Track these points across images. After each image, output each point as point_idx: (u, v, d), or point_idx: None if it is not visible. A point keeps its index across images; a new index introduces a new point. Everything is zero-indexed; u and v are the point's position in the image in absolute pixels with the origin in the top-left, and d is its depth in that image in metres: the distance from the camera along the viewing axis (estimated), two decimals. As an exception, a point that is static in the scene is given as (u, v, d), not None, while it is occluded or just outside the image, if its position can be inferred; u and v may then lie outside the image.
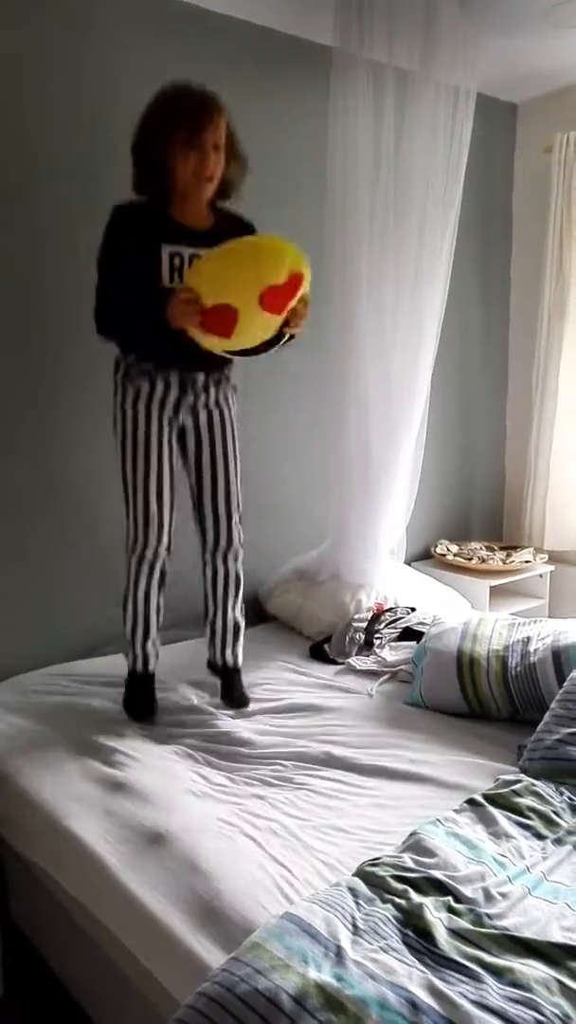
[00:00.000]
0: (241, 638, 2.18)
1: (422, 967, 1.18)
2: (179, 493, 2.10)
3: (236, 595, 2.16)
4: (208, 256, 1.85)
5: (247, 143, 2.74)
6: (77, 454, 2.53)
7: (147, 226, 1.90)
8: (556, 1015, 1.10)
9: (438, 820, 1.54)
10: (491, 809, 1.58)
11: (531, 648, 2.20)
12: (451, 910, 1.31)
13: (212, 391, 2.06)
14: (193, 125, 1.84)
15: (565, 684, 2.00)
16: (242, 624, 2.19)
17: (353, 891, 1.35)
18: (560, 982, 1.16)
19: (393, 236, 2.69)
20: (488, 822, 1.56)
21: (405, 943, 1.24)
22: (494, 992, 1.14)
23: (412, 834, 1.50)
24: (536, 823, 1.56)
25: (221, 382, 2.10)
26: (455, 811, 1.59)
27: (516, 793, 1.64)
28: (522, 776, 1.73)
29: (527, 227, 3.67)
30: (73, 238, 2.40)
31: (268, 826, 1.66)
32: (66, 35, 2.36)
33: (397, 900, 1.32)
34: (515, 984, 1.16)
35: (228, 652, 2.14)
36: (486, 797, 1.63)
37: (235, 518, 2.13)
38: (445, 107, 2.69)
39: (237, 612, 2.16)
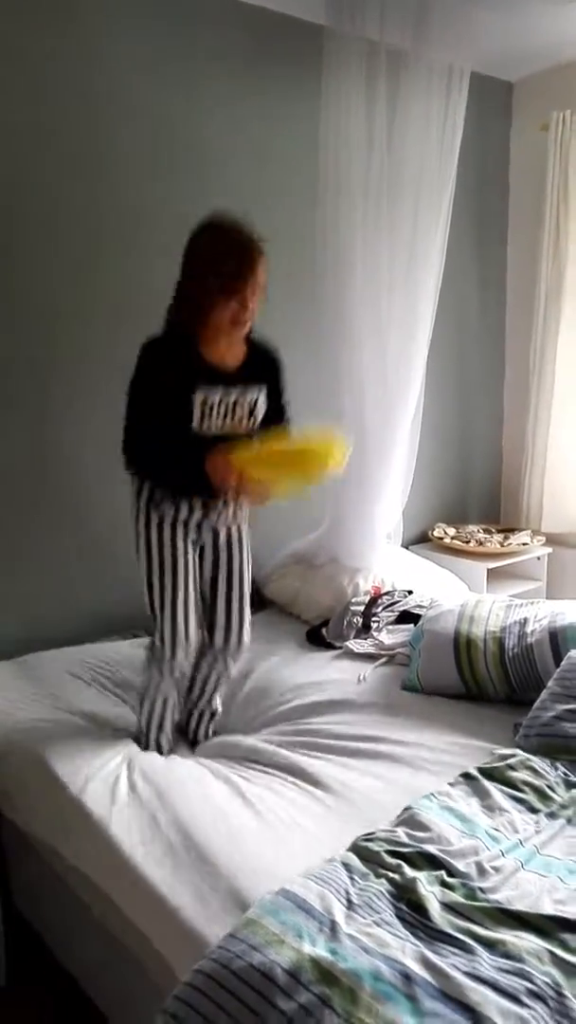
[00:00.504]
0: (216, 717, 2.21)
1: (415, 940, 1.20)
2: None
3: (224, 686, 2.21)
4: (254, 460, 1.86)
5: (241, 128, 2.74)
6: (69, 439, 2.53)
7: (180, 366, 1.85)
8: (547, 984, 1.12)
9: (432, 795, 1.56)
10: (485, 783, 1.59)
11: (528, 629, 2.21)
12: (444, 884, 1.33)
13: (232, 507, 2.06)
14: (236, 275, 1.81)
15: (562, 663, 2.01)
16: (219, 709, 2.22)
17: (347, 866, 1.36)
18: (551, 953, 1.18)
19: (387, 216, 2.68)
20: (482, 795, 1.57)
21: (399, 917, 1.25)
22: (486, 963, 1.15)
23: (406, 808, 1.52)
24: (530, 797, 1.57)
25: (237, 515, 2.12)
26: (449, 784, 1.60)
27: (511, 767, 1.65)
28: (517, 751, 1.74)
29: (523, 206, 3.65)
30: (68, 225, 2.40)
31: (266, 805, 1.68)
32: (53, 20, 2.34)
33: (391, 875, 1.34)
34: (507, 955, 1.17)
35: (201, 731, 2.18)
36: (481, 771, 1.64)
37: (247, 623, 2.14)
38: (439, 86, 2.67)
39: (218, 699, 2.20)
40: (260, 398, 1.97)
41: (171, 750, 2.05)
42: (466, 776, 1.63)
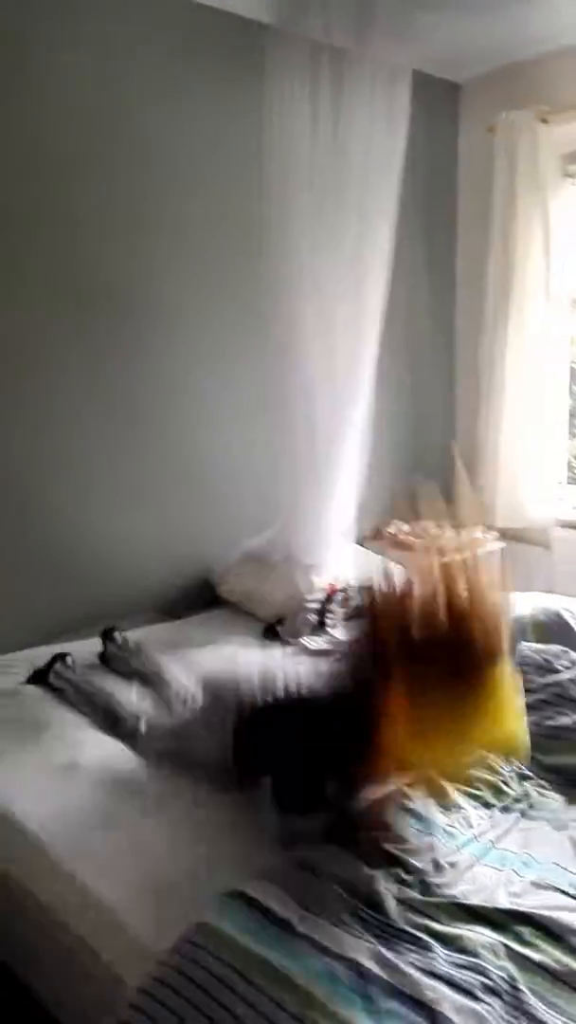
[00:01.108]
0: None
1: (371, 938, 1.19)
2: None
3: None
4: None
5: (183, 125, 2.71)
6: (24, 441, 2.48)
7: None
8: (502, 978, 1.12)
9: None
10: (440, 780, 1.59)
11: (480, 622, 2.21)
12: (401, 881, 1.32)
13: None
14: None
15: (515, 656, 2.01)
16: None
17: (302, 866, 1.34)
18: (506, 946, 1.18)
19: (333, 215, 2.67)
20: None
21: (355, 915, 1.24)
22: (442, 959, 1.15)
23: None
24: (484, 793, 1.57)
25: None
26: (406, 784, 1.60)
27: None
28: None
29: (472, 207, 3.68)
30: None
31: (215, 806, 1.65)
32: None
33: (347, 874, 1.32)
34: (463, 950, 1.17)
35: None
36: None
37: None
38: (383, 86, 2.67)
39: None
40: None
41: None
42: None
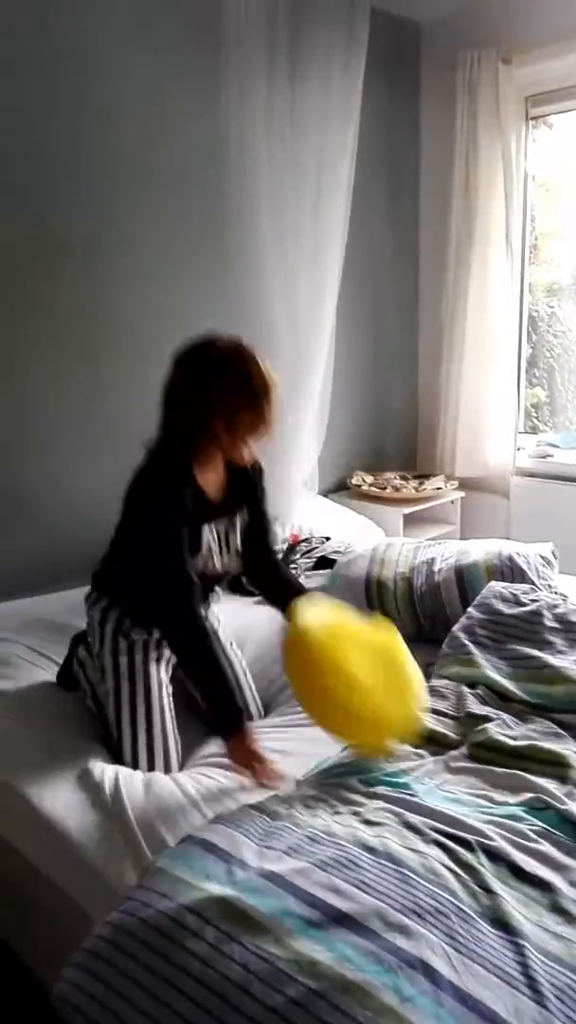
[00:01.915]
0: None
1: (319, 864, 1.22)
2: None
3: None
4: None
5: (143, 71, 2.63)
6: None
7: (190, 504, 1.69)
8: (433, 891, 1.17)
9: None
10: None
11: (435, 568, 2.27)
12: (354, 814, 1.37)
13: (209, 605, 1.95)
14: (270, 401, 1.67)
15: (478, 597, 2.06)
16: None
17: (258, 808, 1.39)
18: (449, 866, 1.23)
19: (292, 156, 2.64)
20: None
21: (309, 837, 1.28)
22: (374, 874, 1.19)
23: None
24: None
25: (210, 600, 1.97)
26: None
27: None
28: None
29: (434, 150, 3.63)
30: None
31: (185, 772, 1.69)
32: None
33: (301, 812, 1.38)
34: (395, 862, 1.22)
35: None
36: None
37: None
38: (341, 23, 2.62)
39: None
40: (240, 516, 1.86)
41: None
42: None
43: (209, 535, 1.77)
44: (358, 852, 1.24)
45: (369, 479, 3.57)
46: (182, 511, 1.66)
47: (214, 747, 1.76)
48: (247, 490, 1.88)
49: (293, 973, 1.06)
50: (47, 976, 1.65)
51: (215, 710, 1.65)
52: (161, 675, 1.84)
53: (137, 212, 2.71)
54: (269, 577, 1.96)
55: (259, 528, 1.92)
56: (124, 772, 1.65)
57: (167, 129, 2.73)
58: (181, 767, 1.76)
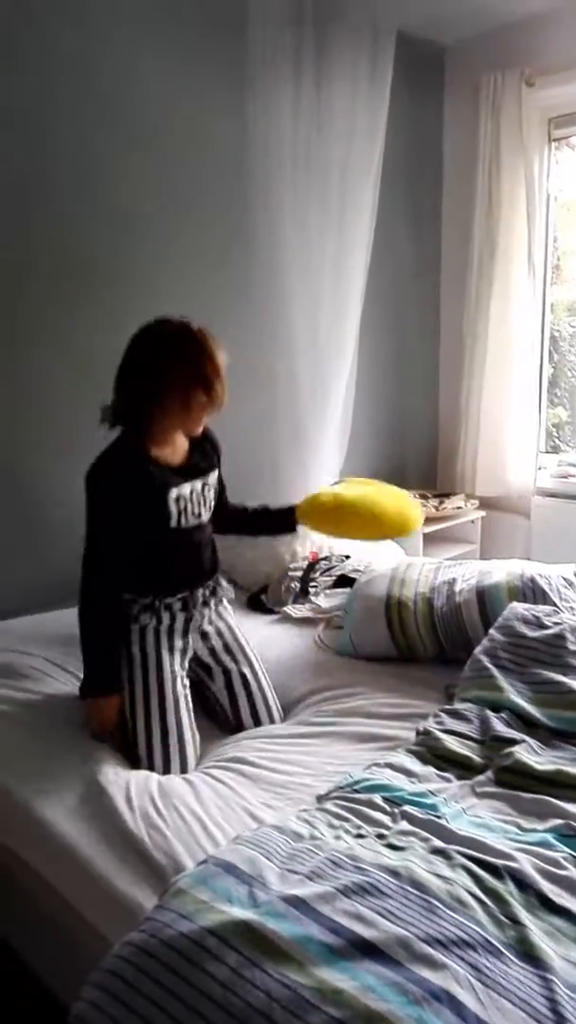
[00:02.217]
0: None
1: (343, 890, 1.20)
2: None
3: None
4: (325, 511, 2.15)
5: (166, 86, 2.66)
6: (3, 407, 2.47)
7: (143, 477, 1.82)
8: (459, 921, 1.15)
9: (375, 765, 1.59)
10: (410, 764, 1.61)
11: (456, 589, 2.25)
12: (379, 836, 1.35)
13: (212, 604, 2.06)
14: (220, 385, 1.82)
15: (499, 619, 2.04)
16: None
17: (279, 829, 1.38)
18: (476, 894, 1.21)
19: (317, 178, 2.65)
20: (409, 775, 1.58)
21: (332, 862, 1.27)
22: (402, 905, 1.17)
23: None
24: (451, 772, 1.59)
25: (217, 592, 2.09)
26: (376, 765, 1.62)
27: (433, 751, 1.67)
28: (441, 720, 1.76)
29: (457, 171, 3.65)
30: None
31: (199, 775, 1.68)
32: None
33: (322, 833, 1.36)
34: (419, 887, 1.20)
35: None
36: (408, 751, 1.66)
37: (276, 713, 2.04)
38: (366, 47, 2.65)
39: None
40: (213, 476, 2.01)
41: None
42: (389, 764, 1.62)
43: (182, 498, 1.89)
44: (382, 878, 1.22)
45: (388, 497, 3.56)
46: (124, 484, 1.79)
47: (230, 749, 1.78)
48: (211, 453, 2.03)
49: (316, 1001, 1.04)
50: (52, 982, 1.65)
51: (85, 674, 1.83)
52: (175, 667, 1.90)
53: (160, 229, 2.73)
54: (242, 516, 2.19)
55: (220, 487, 2.10)
56: (136, 781, 1.64)
57: (191, 147, 2.76)
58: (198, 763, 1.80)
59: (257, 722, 1.98)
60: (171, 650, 1.91)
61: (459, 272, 3.63)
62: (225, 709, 2.00)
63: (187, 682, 1.93)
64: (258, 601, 2.71)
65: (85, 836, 1.52)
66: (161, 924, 1.17)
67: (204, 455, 2.00)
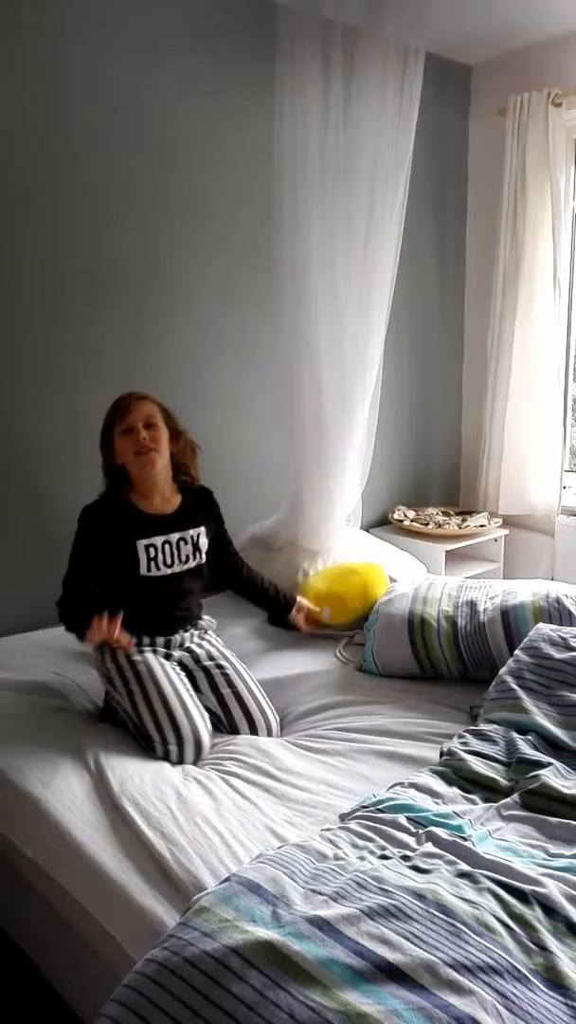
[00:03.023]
0: None
1: (367, 912, 1.19)
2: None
3: None
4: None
5: (194, 106, 2.70)
6: (22, 420, 2.49)
7: (118, 523, 2.02)
8: (485, 947, 1.13)
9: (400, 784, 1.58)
10: (435, 785, 1.59)
11: (480, 608, 2.24)
12: (404, 858, 1.34)
13: (193, 637, 2.17)
14: (122, 410, 2.03)
15: (525, 640, 2.02)
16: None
17: (303, 848, 1.37)
18: (503, 919, 1.19)
19: (343, 196, 2.66)
20: (434, 795, 1.57)
21: (358, 883, 1.25)
22: (427, 929, 1.16)
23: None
24: (477, 794, 1.58)
25: (199, 628, 2.20)
26: (400, 785, 1.61)
27: (457, 770, 1.65)
28: (466, 741, 1.74)
29: (482, 191, 3.66)
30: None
31: (222, 792, 1.68)
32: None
33: (346, 853, 1.35)
34: (447, 913, 1.18)
35: None
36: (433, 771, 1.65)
37: (271, 717, 2.06)
38: (395, 67, 2.65)
39: None
40: (201, 535, 2.13)
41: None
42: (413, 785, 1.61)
43: (153, 548, 2.02)
44: (408, 901, 1.20)
45: (411, 514, 3.55)
46: (100, 525, 2.00)
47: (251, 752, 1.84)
48: (202, 510, 2.17)
49: (341, 1025, 1.03)
50: (70, 997, 1.64)
51: (73, 621, 1.97)
52: (161, 660, 2.00)
53: (182, 245, 2.76)
54: (248, 586, 2.36)
55: (222, 543, 2.25)
56: (156, 792, 1.64)
57: (216, 162, 2.79)
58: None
59: (249, 719, 2.00)
60: (154, 653, 2.04)
61: (483, 291, 3.63)
62: (217, 712, 2.03)
63: (179, 672, 2.02)
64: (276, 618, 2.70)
65: (105, 850, 1.52)
66: (184, 942, 1.16)
67: (191, 513, 2.12)
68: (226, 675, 2.06)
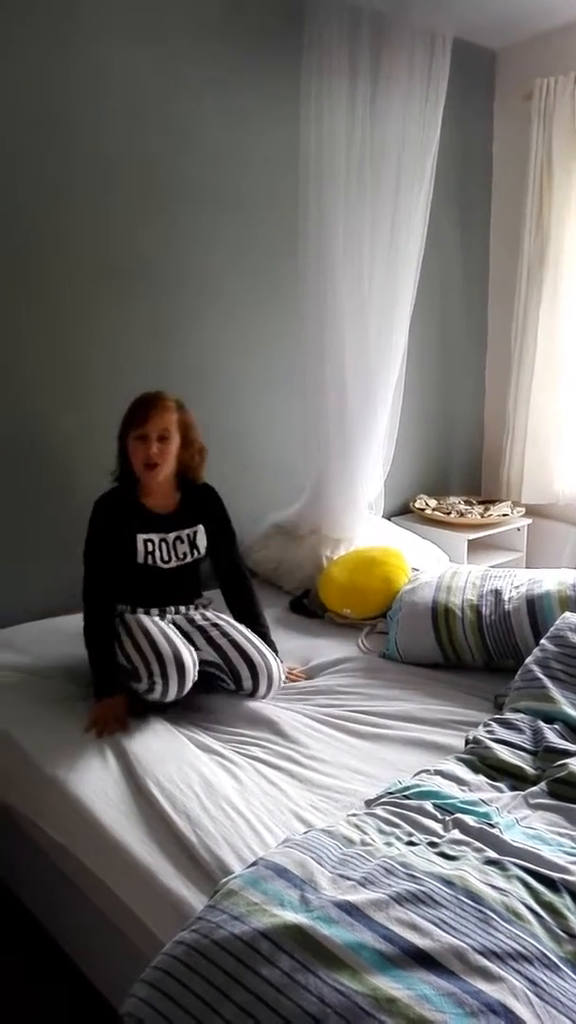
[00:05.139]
0: None
1: (396, 898, 1.19)
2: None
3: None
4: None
5: (220, 95, 2.68)
6: (48, 410, 2.50)
7: (123, 515, 2.11)
8: (515, 934, 1.13)
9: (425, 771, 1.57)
10: (461, 772, 1.59)
11: (505, 597, 2.22)
12: (431, 844, 1.34)
13: (190, 610, 2.22)
14: (140, 418, 2.08)
15: (552, 629, 2.01)
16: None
17: (329, 833, 1.37)
18: (532, 907, 1.19)
19: (369, 184, 2.65)
20: (460, 783, 1.57)
21: (386, 869, 1.25)
22: (456, 915, 1.16)
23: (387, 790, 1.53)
24: (503, 782, 1.57)
25: (195, 605, 2.24)
26: (426, 772, 1.61)
27: (483, 758, 1.65)
28: (491, 729, 1.73)
29: (506, 176, 3.61)
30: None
31: (247, 776, 1.68)
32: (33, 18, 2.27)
33: (373, 839, 1.35)
34: (476, 900, 1.18)
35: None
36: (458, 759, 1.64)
37: (272, 661, 2.10)
38: (421, 52, 2.63)
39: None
40: (199, 533, 2.19)
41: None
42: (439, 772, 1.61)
43: (150, 543, 2.11)
44: (436, 887, 1.20)
45: (433, 503, 3.54)
46: (108, 515, 2.09)
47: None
48: (202, 509, 2.21)
49: (370, 1009, 1.03)
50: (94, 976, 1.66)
51: (92, 677, 2.00)
52: (153, 618, 2.09)
53: (209, 237, 2.76)
54: (237, 605, 2.27)
55: (223, 541, 2.25)
56: (181, 777, 1.65)
57: (242, 154, 2.77)
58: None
59: (249, 663, 2.04)
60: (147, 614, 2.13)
61: (507, 279, 3.60)
62: (218, 663, 2.06)
63: (172, 626, 2.09)
64: (301, 605, 2.71)
65: (132, 833, 1.53)
66: (213, 924, 1.17)
67: (190, 511, 2.19)
68: (221, 629, 2.11)
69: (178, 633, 2.06)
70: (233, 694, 2.06)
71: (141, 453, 2.07)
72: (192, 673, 1.95)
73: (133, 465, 2.11)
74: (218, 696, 2.06)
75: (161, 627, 2.03)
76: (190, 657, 1.97)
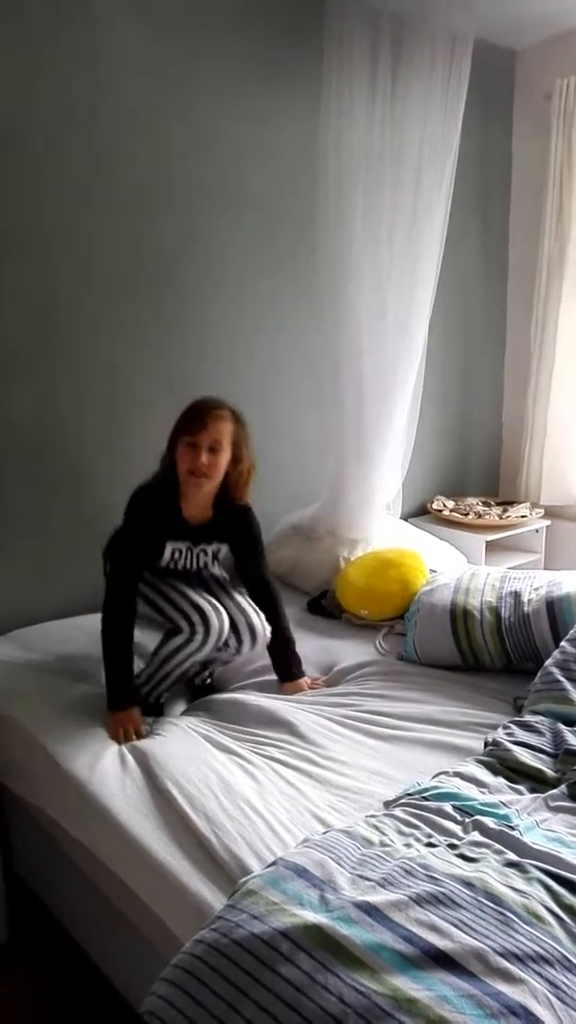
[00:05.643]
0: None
1: (416, 899, 1.19)
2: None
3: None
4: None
5: (242, 93, 2.69)
6: (69, 407, 2.52)
7: (159, 518, 2.08)
8: (536, 936, 1.12)
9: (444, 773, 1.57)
10: (480, 774, 1.58)
11: (524, 599, 2.22)
12: (451, 846, 1.34)
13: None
14: (196, 425, 2.02)
15: (572, 631, 2.00)
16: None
17: (348, 833, 1.37)
18: (553, 909, 1.18)
19: (389, 185, 2.65)
20: (479, 784, 1.56)
21: (405, 870, 1.25)
22: (478, 918, 1.15)
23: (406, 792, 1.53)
24: (524, 784, 1.57)
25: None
26: (445, 774, 1.61)
27: (503, 761, 1.64)
28: (510, 732, 1.73)
29: (526, 176, 3.60)
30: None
31: (266, 777, 1.69)
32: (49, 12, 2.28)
33: (392, 840, 1.35)
34: (495, 901, 1.18)
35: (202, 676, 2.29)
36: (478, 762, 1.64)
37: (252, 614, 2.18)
38: (442, 53, 2.62)
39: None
40: (222, 550, 2.21)
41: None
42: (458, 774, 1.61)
43: (177, 551, 2.12)
44: (456, 888, 1.20)
45: (450, 504, 3.53)
46: (147, 513, 2.05)
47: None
48: (231, 530, 2.18)
49: (390, 1010, 1.03)
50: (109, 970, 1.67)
51: (107, 685, 1.97)
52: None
53: (228, 236, 2.76)
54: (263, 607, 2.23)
55: (249, 558, 2.23)
56: (199, 776, 1.66)
57: (261, 153, 2.78)
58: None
59: (233, 627, 2.11)
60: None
61: (527, 279, 3.58)
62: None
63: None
64: (318, 606, 2.71)
65: (151, 832, 1.54)
66: (233, 924, 1.18)
67: (217, 531, 2.17)
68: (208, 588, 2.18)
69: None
70: (245, 691, 2.06)
71: (188, 460, 2.01)
72: (225, 624, 2.05)
73: (178, 469, 2.05)
74: (232, 697, 2.07)
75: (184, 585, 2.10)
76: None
